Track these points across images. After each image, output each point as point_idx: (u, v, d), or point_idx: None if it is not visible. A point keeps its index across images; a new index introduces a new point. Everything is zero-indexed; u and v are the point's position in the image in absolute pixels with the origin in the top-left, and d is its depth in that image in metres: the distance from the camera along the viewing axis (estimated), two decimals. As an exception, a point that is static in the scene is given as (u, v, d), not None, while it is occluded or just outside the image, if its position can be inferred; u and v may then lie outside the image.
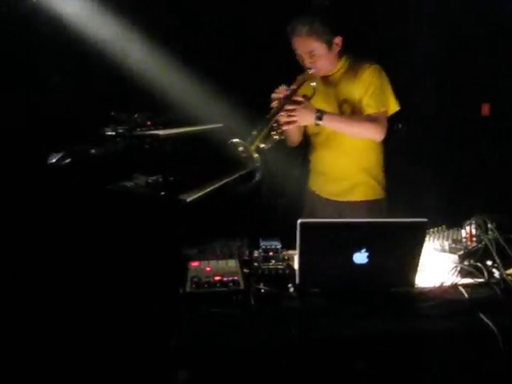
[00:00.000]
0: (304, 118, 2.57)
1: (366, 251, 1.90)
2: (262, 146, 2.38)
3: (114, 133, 2.99)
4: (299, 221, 1.86)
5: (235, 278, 2.00)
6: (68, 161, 2.70)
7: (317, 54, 2.66)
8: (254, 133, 2.35)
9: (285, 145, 2.78)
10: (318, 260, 1.93)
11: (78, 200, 2.83)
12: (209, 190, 3.17)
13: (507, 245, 2.14)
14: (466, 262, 2.15)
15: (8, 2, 2.99)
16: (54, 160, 2.66)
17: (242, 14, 3.70)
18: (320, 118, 2.56)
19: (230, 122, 3.55)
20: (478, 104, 4.16)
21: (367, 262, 1.91)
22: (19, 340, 2.59)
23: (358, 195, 2.86)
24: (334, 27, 2.66)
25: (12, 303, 2.67)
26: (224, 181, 3.19)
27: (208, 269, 2.09)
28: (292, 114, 2.53)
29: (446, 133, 4.02)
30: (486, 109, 4.16)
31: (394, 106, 2.75)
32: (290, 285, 2.01)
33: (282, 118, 2.53)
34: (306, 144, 3.01)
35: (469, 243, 2.26)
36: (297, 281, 1.98)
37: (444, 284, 2.02)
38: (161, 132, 3.11)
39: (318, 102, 2.69)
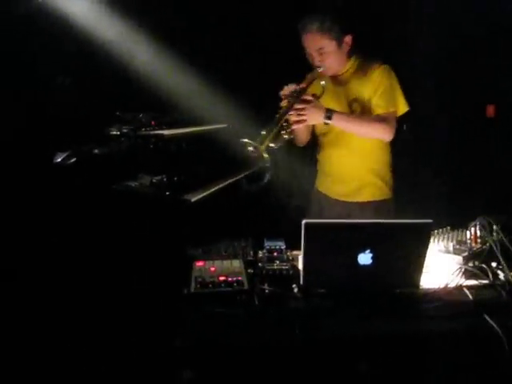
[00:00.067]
0: (313, 117, 2.56)
1: (371, 252, 1.89)
2: (272, 145, 2.37)
3: (118, 132, 3.01)
4: (304, 221, 1.86)
5: (239, 278, 2.00)
6: (73, 160, 2.71)
7: (326, 51, 2.65)
8: (264, 132, 2.35)
9: (292, 144, 2.77)
10: (323, 260, 1.93)
11: (83, 199, 2.84)
12: (213, 190, 3.18)
13: (512, 246, 2.13)
14: (470, 264, 2.14)
15: (14, 2, 3.00)
16: (59, 159, 2.67)
17: (248, 15, 3.71)
18: (329, 118, 2.54)
19: (234, 123, 3.56)
20: (483, 105, 4.15)
21: (372, 263, 1.90)
22: (24, 340, 2.59)
23: (366, 196, 2.85)
24: (344, 26, 2.66)
25: (15, 303, 2.68)
26: (229, 181, 3.20)
27: (212, 269, 2.09)
28: (301, 113, 2.51)
29: (450, 134, 4.02)
30: (490, 110, 4.15)
31: (403, 107, 2.75)
32: (294, 285, 2.00)
33: (292, 117, 2.51)
34: (313, 144, 3.00)
35: (473, 244, 2.26)
36: (301, 281, 1.98)
37: (448, 285, 2.01)
38: (165, 132, 3.13)
39: (327, 102, 2.68)
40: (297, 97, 2.54)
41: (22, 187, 2.82)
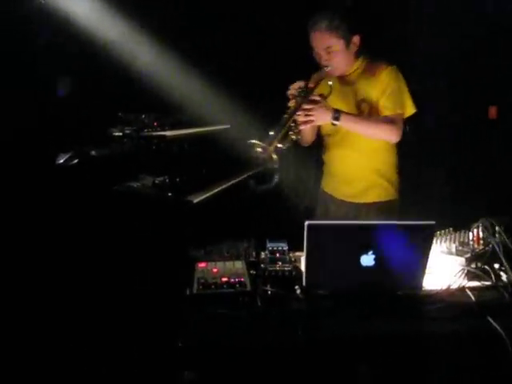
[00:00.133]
0: (321, 118, 2.55)
1: (373, 253, 1.89)
2: (280, 146, 2.37)
3: (121, 133, 3.01)
4: (306, 222, 1.86)
5: (242, 279, 2.00)
6: (76, 161, 2.71)
7: (334, 50, 2.64)
8: (272, 133, 2.34)
9: (297, 144, 2.75)
10: (325, 262, 1.93)
11: (85, 200, 2.84)
12: (216, 191, 3.18)
13: (514, 248, 2.13)
14: (473, 265, 2.14)
15: (17, 2, 3.00)
16: (61, 160, 2.67)
17: (251, 15, 3.70)
18: (337, 118, 2.53)
19: (237, 124, 3.56)
20: (485, 107, 4.15)
21: (374, 264, 1.90)
22: (27, 342, 2.59)
23: (372, 197, 2.85)
24: (353, 26, 2.65)
25: (16, 304, 2.68)
26: (231, 182, 3.20)
27: (215, 270, 2.09)
28: (309, 113, 2.50)
29: (452, 135, 4.02)
30: (493, 111, 4.15)
31: (410, 109, 2.74)
32: (296, 286, 2.00)
33: (299, 117, 2.50)
34: (317, 144, 2.99)
35: (476, 246, 2.25)
36: (303, 282, 1.98)
37: (451, 287, 2.01)
38: (168, 133, 3.12)
39: (334, 102, 2.67)
40: (304, 97, 2.52)
41: (25, 188, 2.82)
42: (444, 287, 2.00)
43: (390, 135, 2.68)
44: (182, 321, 1.81)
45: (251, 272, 2.10)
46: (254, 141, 2.28)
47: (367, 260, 1.90)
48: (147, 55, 3.54)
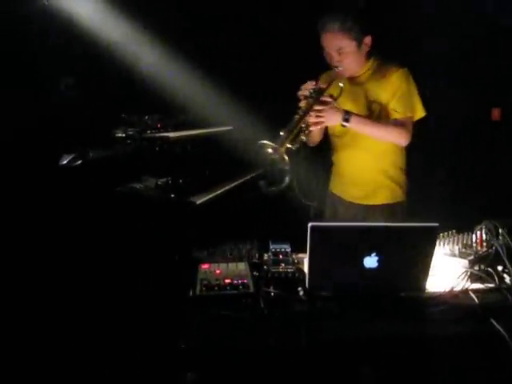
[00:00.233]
0: (331, 119, 2.54)
1: (377, 255, 1.89)
2: (289, 146, 2.36)
3: (124, 135, 3.01)
4: (310, 224, 1.86)
5: (245, 280, 1.99)
6: (79, 162, 2.71)
7: (346, 51, 2.62)
8: (283, 134, 2.33)
9: (305, 145, 2.74)
10: (328, 263, 1.92)
11: (89, 201, 2.84)
12: (219, 192, 3.18)
13: (518, 250, 2.12)
14: (476, 267, 2.13)
15: (20, 4, 3.01)
16: (65, 161, 2.68)
17: (254, 17, 3.71)
18: (347, 120, 2.52)
19: (240, 125, 3.56)
20: (489, 109, 4.15)
21: (377, 266, 1.90)
22: (33, 343, 2.60)
23: (380, 198, 2.84)
24: (365, 26, 2.63)
25: (16, 308, 2.69)
26: (234, 183, 3.20)
27: (218, 271, 2.09)
28: (319, 114, 2.49)
29: (456, 137, 4.01)
30: (496, 113, 4.14)
31: (420, 112, 2.73)
32: (299, 288, 1.99)
33: (310, 118, 2.48)
34: (322, 145, 2.98)
35: (479, 248, 2.24)
36: (306, 284, 1.97)
37: (454, 289, 2.01)
38: (171, 134, 3.13)
39: (344, 102, 2.67)
40: (316, 98, 2.51)
41: (29, 189, 2.82)
42: (447, 289, 2.00)
43: (399, 138, 2.67)
44: (185, 322, 1.81)
45: (254, 273, 2.09)
46: (264, 141, 2.27)
47: (370, 262, 1.90)
48: (150, 56, 3.54)
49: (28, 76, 2.99)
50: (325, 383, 1.75)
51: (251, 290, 1.95)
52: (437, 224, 1.90)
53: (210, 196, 3.17)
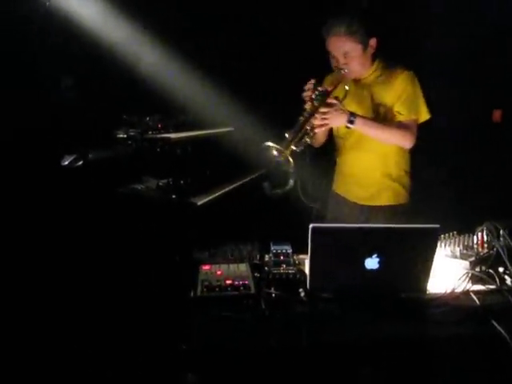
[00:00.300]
0: (336, 121, 2.54)
1: (378, 256, 1.89)
2: (294, 149, 2.36)
3: (125, 136, 3.01)
4: (311, 225, 1.86)
5: (246, 282, 2.00)
6: (80, 163, 2.71)
7: (351, 55, 2.62)
8: (288, 136, 2.33)
9: (310, 146, 2.73)
10: (330, 265, 1.92)
11: (90, 202, 2.85)
12: (220, 193, 3.18)
13: (519, 251, 2.12)
14: (477, 269, 2.14)
15: (22, 5, 3.01)
16: (66, 162, 2.68)
17: (254, 18, 3.71)
18: (352, 122, 2.53)
19: (241, 126, 3.56)
20: (490, 110, 4.14)
21: (379, 268, 1.90)
22: (35, 344, 2.60)
23: (385, 200, 2.85)
24: (370, 29, 2.63)
25: (18, 308, 2.69)
26: (235, 184, 3.20)
27: (219, 272, 2.09)
28: (325, 116, 2.49)
29: (457, 139, 4.01)
30: (497, 115, 4.14)
31: (425, 115, 2.73)
32: (300, 289, 1.99)
33: (315, 120, 2.49)
34: (331, 148, 2.98)
35: (480, 249, 2.25)
36: (308, 285, 1.97)
37: (455, 290, 2.01)
38: (172, 135, 3.13)
39: (349, 104, 2.66)
40: (321, 100, 2.51)
41: (30, 190, 2.82)
42: (448, 291, 2.00)
43: (403, 141, 2.67)
44: (186, 323, 1.81)
45: (255, 275, 2.10)
46: (269, 143, 2.27)
47: (371, 263, 1.90)
48: (151, 57, 3.54)
49: (29, 76, 2.99)
50: (326, 384, 1.76)
51: (252, 291, 1.95)
52: (438, 225, 1.90)
53: (211, 197, 3.17)
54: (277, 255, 2.17)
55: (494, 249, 2.15)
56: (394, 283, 1.97)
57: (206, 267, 2.14)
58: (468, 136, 4.02)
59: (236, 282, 1.99)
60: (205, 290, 1.95)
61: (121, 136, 3.02)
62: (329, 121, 2.50)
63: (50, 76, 3.15)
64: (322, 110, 2.49)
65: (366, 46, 2.64)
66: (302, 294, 1.98)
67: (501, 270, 2.13)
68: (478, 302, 1.95)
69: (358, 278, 1.93)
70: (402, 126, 2.66)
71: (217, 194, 3.22)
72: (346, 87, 2.65)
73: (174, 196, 3.03)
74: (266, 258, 2.23)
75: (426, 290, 1.99)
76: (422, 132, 2.76)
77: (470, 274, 2.08)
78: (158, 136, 3.10)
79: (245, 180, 3.44)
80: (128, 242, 2.79)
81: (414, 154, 2.84)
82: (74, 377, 2.46)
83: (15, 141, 2.88)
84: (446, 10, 3.86)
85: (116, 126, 3.05)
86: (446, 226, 2.21)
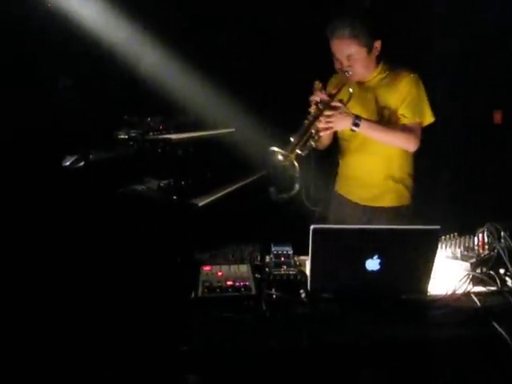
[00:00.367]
0: (341, 124, 2.53)
1: (379, 258, 1.89)
2: (299, 153, 2.36)
3: (126, 136, 3.01)
4: (312, 226, 1.86)
5: (247, 283, 2.00)
6: (81, 164, 2.71)
7: (355, 58, 2.60)
8: (293, 140, 2.33)
9: (314, 149, 2.72)
10: (330, 266, 1.92)
11: (91, 203, 2.85)
12: (221, 194, 3.18)
13: (520, 253, 2.12)
14: (478, 270, 2.13)
15: (23, 5, 3.02)
16: (67, 163, 2.68)
17: (254, 18, 3.71)
18: (357, 125, 2.52)
19: (242, 127, 3.56)
20: (490, 111, 4.14)
21: (379, 269, 1.90)
22: (36, 345, 2.60)
23: (387, 201, 2.84)
24: (374, 30, 2.61)
25: (19, 308, 2.69)
26: (236, 185, 3.20)
27: (220, 273, 2.09)
28: (329, 120, 2.48)
29: (457, 140, 4.01)
30: (498, 116, 4.14)
31: (429, 118, 2.73)
32: (301, 290, 2.00)
33: (320, 124, 2.48)
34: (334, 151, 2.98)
35: (481, 251, 2.25)
36: (308, 286, 1.97)
37: (456, 292, 2.01)
38: (173, 136, 3.13)
39: (353, 106, 2.65)
40: (326, 103, 2.51)
41: (31, 191, 2.82)
42: (449, 292, 2.00)
43: (407, 144, 2.67)
44: (187, 324, 1.81)
45: (256, 276, 2.09)
46: (275, 148, 2.27)
47: (372, 264, 1.90)
48: (152, 57, 3.54)
49: (30, 78, 2.99)
50: (326, 386, 1.76)
51: (253, 292, 1.95)
52: (438, 227, 1.90)
53: (212, 198, 3.17)
54: (277, 256, 2.17)
55: (495, 250, 2.15)
56: (395, 284, 1.97)
57: (207, 268, 2.14)
58: (468, 137, 4.03)
59: (237, 283, 1.99)
60: (206, 290, 1.95)
61: (122, 137, 3.02)
62: (334, 124, 2.50)
63: (50, 76, 3.15)
64: (327, 113, 2.48)
65: (370, 48, 2.62)
66: (303, 295, 1.98)
67: (502, 271, 2.12)
68: (478, 303, 1.95)
69: (359, 279, 1.93)
70: (406, 129, 2.65)
71: (218, 195, 3.22)
72: (351, 90, 2.64)
73: (175, 197, 3.03)
74: (267, 259, 2.23)
75: (426, 291, 1.99)
76: (423, 133, 2.76)
77: (470, 276, 2.08)
78: (160, 137, 3.10)
79: (246, 181, 3.44)
80: (129, 243, 2.79)
81: (416, 155, 2.84)
82: (74, 377, 2.46)
83: (16, 141, 2.88)
84: (449, 10, 3.86)
85: (117, 127, 3.05)
86: (446, 228, 2.21)
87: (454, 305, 1.95)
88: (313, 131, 2.47)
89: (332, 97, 2.55)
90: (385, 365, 1.77)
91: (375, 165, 2.81)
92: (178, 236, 2.79)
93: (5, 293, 2.66)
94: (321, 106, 2.49)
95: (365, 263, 1.90)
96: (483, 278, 2.08)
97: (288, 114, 2.51)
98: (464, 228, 2.41)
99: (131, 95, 3.35)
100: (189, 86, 3.61)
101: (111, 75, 3.33)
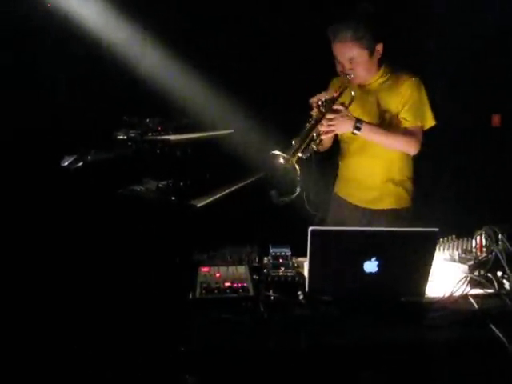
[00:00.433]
0: (343, 127, 2.53)
1: (377, 260, 1.89)
2: (301, 156, 2.36)
3: (125, 137, 3.01)
4: (310, 228, 1.86)
5: (245, 284, 2.00)
6: (80, 164, 2.71)
7: (357, 60, 2.60)
8: (295, 143, 2.33)
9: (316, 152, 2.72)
10: (328, 268, 1.92)
11: (89, 203, 2.85)
12: (219, 195, 3.18)
13: (518, 255, 2.13)
14: (476, 273, 2.13)
15: (23, 6, 3.02)
16: (66, 163, 2.68)
17: (254, 19, 3.71)
18: (358, 128, 2.52)
19: (240, 128, 3.56)
20: (489, 115, 4.15)
21: (377, 271, 1.90)
22: (36, 345, 2.60)
23: (387, 204, 2.84)
24: (377, 34, 2.60)
25: (18, 309, 2.69)
26: (235, 187, 3.20)
27: (218, 275, 2.09)
28: (331, 123, 2.48)
29: (456, 143, 4.01)
30: (496, 120, 4.15)
31: (430, 121, 2.73)
32: (299, 292, 1.99)
33: (322, 127, 2.48)
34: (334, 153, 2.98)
35: (479, 253, 2.25)
36: (306, 288, 1.97)
37: (454, 294, 2.01)
38: (172, 137, 3.13)
39: (355, 110, 2.65)
40: (328, 106, 2.50)
41: (30, 191, 2.82)
42: (447, 294, 2.00)
43: (408, 147, 2.67)
44: (185, 325, 1.81)
45: (254, 277, 2.09)
46: (276, 152, 2.27)
47: (370, 266, 1.90)
48: (151, 58, 3.55)
49: (30, 78, 2.99)
50: (324, 387, 1.76)
51: (251, 293, 1.95)
52: (436, 229, 1.90)
53: (211, 199, 3.17)
54: (276, 258, 2.17)
55: (493, 253, 2.15)
56: (393, 286, 1.97)
57: (205, 269, 2.14)
58: (467, 140, 4.03)
59: (235, 285, 1.99)
60: (204, 292, 1.94)
61: (121, 137, 3.02)
62: (335, 127, 2.49)
63: (50, 76, 3.15)
64: (329, 116, 2.47)
65: (372, 51, 2.61)
66: (301, 297, 1.98)
67: (499, 274, 2.13)
68: (476, 305, 1.95)
69: (357, 281, 1.93)
70: (407, 133, 2.65)
71: (216, 196, 3.22)
72: (352, 93, 2.64)
73: (173, 198, 3.03)
74: (265, 260, 2.23)
75: (424, 293, 1.99)
76: (423, 137, 2.76)
77: (468, 278, 2.08)
78: (158, 138, 3.10)
79: (244, 182, 3.44)
80: (127, 244, 2.79)
81: (415, 158, 2.84)
82: (74, 378, 2.46)
83: (15, 141, 2.88)
84: (449, 10, 3.86)
85: (116, 128, 3.05)
86: (444, 230, 2.21)
87: (451, 307, 1.95)
88: (314, 134, 2.47)
89: (334, 100, 2.54)
90: (384, 367, 1.77)
91: (375, 167, 2.80)
92: (176, 237, 2.79)
93: (5, 293, 2.66)
94: (323, 109, 2.49)
95: (363, 265, 1.90)
96: (481, 281, 2.08)
97: (287, 115, 2.51)
98: (462, 230, 2.42)
99: (131, 96, 3.35)
100: (188, 87, 3.61)
101: (111, 75, 3.33)
